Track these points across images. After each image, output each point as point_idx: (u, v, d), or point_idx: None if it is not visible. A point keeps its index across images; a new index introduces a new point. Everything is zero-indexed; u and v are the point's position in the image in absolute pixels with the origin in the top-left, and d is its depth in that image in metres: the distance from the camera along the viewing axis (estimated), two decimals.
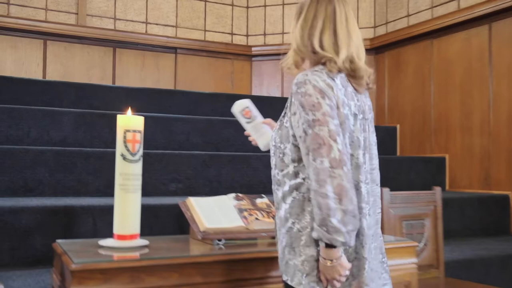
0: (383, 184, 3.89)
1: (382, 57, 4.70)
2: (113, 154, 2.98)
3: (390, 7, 4.64)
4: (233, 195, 1.90)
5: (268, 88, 5.02)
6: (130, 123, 1.62)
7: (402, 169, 3.89)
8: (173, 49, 4.77)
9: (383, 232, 2.31)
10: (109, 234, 2.39)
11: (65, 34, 4.36)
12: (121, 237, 1.60)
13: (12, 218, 2.20)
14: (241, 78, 5.05)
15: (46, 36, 4.31)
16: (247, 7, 5.11)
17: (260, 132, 1.86)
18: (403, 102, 4.45)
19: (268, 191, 3.35)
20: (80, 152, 2.87)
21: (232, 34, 5.05)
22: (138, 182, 1.61)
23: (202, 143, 3.65)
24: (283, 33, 4.98)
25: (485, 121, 3.74)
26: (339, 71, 1.53)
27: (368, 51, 4.72)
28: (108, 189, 2.90)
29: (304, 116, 1.43)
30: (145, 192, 2.97)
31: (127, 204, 1.57)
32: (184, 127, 3.60)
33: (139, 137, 1.62)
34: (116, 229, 1.61)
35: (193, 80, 4.84)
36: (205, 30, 4.94)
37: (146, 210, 2.44)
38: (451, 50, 4.02)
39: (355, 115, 1.52)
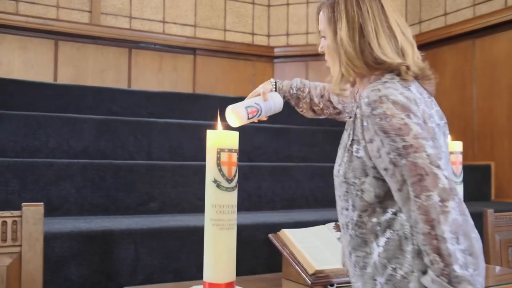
0: None
1: None
2: (144, 166, 2.69)
3: (424, 6, 4.36)
4: (332, 225, 1.60)
5: None
6: (224, 140, 1.31)
7: None
8: (192, 50, 4.47)
9: (487, 262, 2.03)
10: (152, 261, 2.09)
11: (78, 34, 4.03)
12: (215, 287, 1.28)
13: (44, 246, 1.88)
14: (262, 80, 4.68)
15: (57, 36, 3.98)
16: (269, 6, 4.81)
17: (272, 107, 1.65)
18: (440, 106, 4.15)
19: (311, 205, 3.08)
20: (110, 165, 2.56)
21: (253, 34, 4.75)
22: (234, 216, 1.30)
23: None
24: (307, 33, 4.69)
25: None
26: (414, 77, 1.29)
27: None
28: (140, 207, 2.59)
29: (389, 144, 1.15)
30: (180, 209, 2.70)
31: (222, 244, 1.25)
32: None
33: (236, 158, 1.30)
34: (208, 276, 1.29)
35: (213, 83, 4.53)
36: (225, 30, 4.64)
37: (193, 233, 2.16)
38: (496, 51, 3.75)
39: (438, 125, 1.29)
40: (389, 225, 1.20)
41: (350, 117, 1.37)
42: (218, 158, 1.28)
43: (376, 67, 1.28)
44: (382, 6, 1.30)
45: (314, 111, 1.73)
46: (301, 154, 3.51)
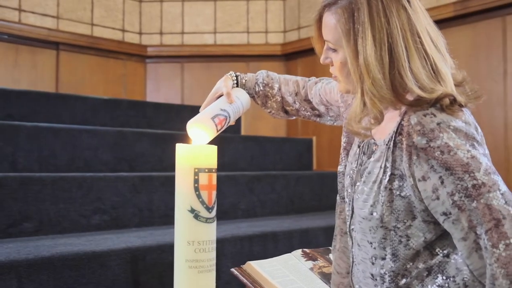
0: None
1: (295, 65, 4.40)
2: (17, 180, 2.22)
3: (303, 12, 4.36)
4: (299, 252, 1.37)
5: (166, 94, 4.42)
6: (202, 157, 0.99)
7: (323, 187, 3.57)
8: (55, 45, 3.93)
9: None
10: None
11: None
12: None
13: None
14: (134, 81, 4.38)
15: None
16: (140, 1, 4.45)
17: (240, 109, 1.34)
18: None
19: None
20: None
21: (123, 30, 4.35)
22: (214, 254, 0.99)
23: (113, 159, 2.97)
24: (183, 33, 4.42)
25: None
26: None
27: (278, 57, 4.46)
28: (10, 228, 2.13)
29: (454, 183, 0.94)
30: (61, 229, 2.28)
31: None
32: (91, 141, 2.88)
33: (215, 179, 1.00)
34: None
35: (79, 82, 4.04)
36: (92, 24, 4.18)
37: (91, 261, 1.80)
38: None
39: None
40: (440, 269, 0.99)
41: (370, 142, 1.10)
42: (196, 181, 0.97)
43: (408, 102, 1.01)
44: (408, 13, 1.01)
45: (286, 111, 1.45)
46: None
